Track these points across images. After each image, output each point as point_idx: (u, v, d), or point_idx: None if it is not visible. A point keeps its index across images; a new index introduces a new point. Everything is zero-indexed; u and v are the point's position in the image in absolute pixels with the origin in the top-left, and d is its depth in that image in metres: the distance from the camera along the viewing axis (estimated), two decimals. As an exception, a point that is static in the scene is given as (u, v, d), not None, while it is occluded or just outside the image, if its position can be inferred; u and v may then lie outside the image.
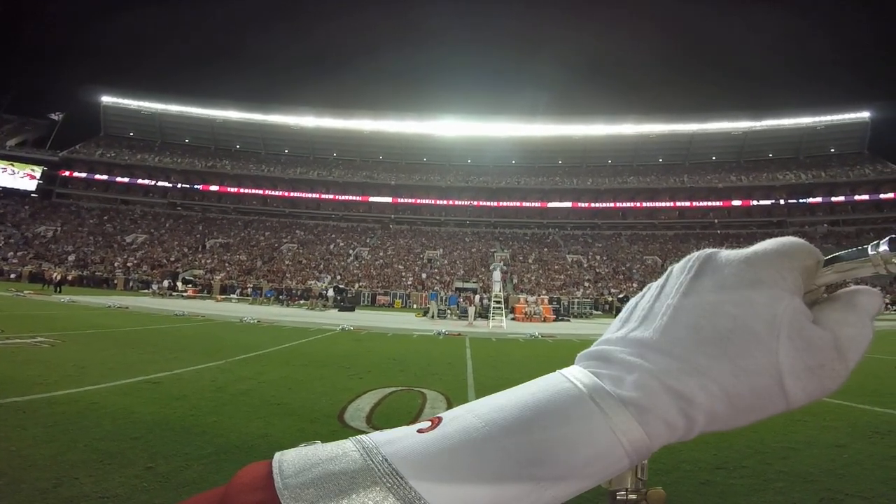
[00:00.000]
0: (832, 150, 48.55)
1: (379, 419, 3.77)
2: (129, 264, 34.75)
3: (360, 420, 3.72)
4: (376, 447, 0.28)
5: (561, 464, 0.27)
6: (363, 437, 0.30)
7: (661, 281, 0.35)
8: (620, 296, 28.11)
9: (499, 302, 14.84)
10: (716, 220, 47.10)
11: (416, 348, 9.00)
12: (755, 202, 46.34)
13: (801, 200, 45.55)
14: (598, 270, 38.56)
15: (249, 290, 29.08)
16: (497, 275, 16.02)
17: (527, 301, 18.65)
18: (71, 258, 35.08)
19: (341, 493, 0.25)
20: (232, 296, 27.89)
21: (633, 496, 0.33)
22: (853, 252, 0.29)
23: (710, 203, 47.32)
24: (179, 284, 28.13)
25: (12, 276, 28.26)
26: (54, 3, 63.83)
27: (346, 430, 3.46)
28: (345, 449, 0.29)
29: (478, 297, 17.02)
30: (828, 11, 56.90)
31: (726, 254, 0.32)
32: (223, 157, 52.11)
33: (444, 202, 50.18)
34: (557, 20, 76.69)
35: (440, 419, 0.30)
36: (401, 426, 0.31)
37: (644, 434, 0.28)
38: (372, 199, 50.02)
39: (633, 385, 0.29)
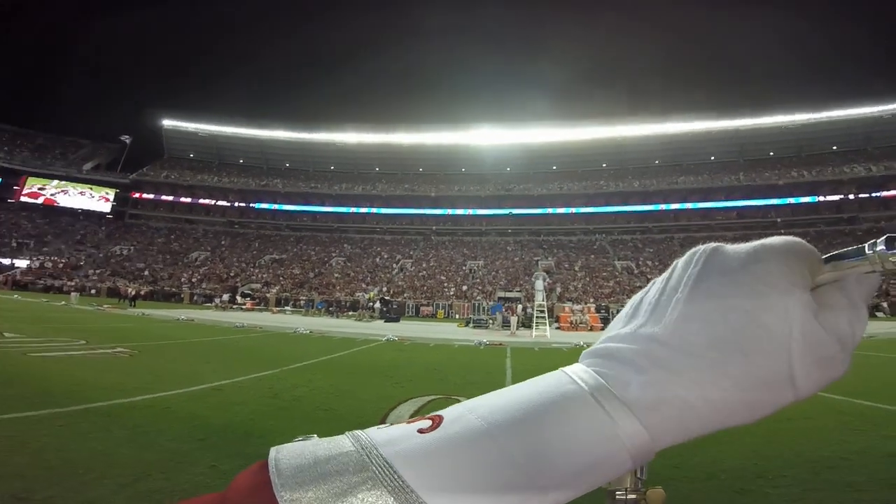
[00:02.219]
0: None
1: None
2: (193, 279, 37.33)
3: (403, 423, 3.84)
4: (375, 447, 0.28)
5: (564, 467, 0.27)
6: (359, 433, 0.30)
7: (665, 275, 0.34)
8: None
9: (542, 311, 14.64)
10: (778, 219, 44.06)
11: (456, 358, 9.13)
12: (822, 198, 43.14)
13: (873, 194, 41.80)
14: (649, 276, 37.03)
15: (302, 303, 30.43)
16: (539, 284, 15.88)
17: (572, 310, 18.20)
18: (146, 273, 38.21)
19: (340, 495, 0.25)
20: (286, 308, 29.29)
21: (632, 496, 0.33)
22: (851, 251, 0.30)
23: (770, 200, 44.56)
24: (239, 298, 29.91)
25: (93, 291, 31.13)
26: (118, 28, 70.36)
27: None
28: (342, 448, 0.28)
29: (520, 306, 16.80)
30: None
31: (733, 248, 0.32)
32: (274, 175, 54.93)
33: (484, 211, 50.08)
34: (590, 19, 75.32)
35: (441, 418, 0.30)
36: (400, 424, 0.30)
37: (649, 437, 0.28)
38: (413, 211, 50.83)
39: (642, 387, 0.28)
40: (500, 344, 11.84)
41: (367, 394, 5.23)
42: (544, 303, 15.07)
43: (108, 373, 5.59)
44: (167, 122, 55.02)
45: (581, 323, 16.77)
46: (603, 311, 22.56)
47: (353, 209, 51.43)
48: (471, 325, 19.28)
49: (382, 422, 3.45)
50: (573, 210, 48.68)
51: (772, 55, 62.97)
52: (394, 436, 0.29)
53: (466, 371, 7.29)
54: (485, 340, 12.26)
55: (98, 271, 37.67)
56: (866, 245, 0.29)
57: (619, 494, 0.33)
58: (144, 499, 2.23)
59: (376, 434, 0.29)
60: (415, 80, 77.30)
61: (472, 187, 51.26)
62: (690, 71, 68.15)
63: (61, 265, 37.54)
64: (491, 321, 18.03)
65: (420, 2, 73.10)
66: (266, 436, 3.48)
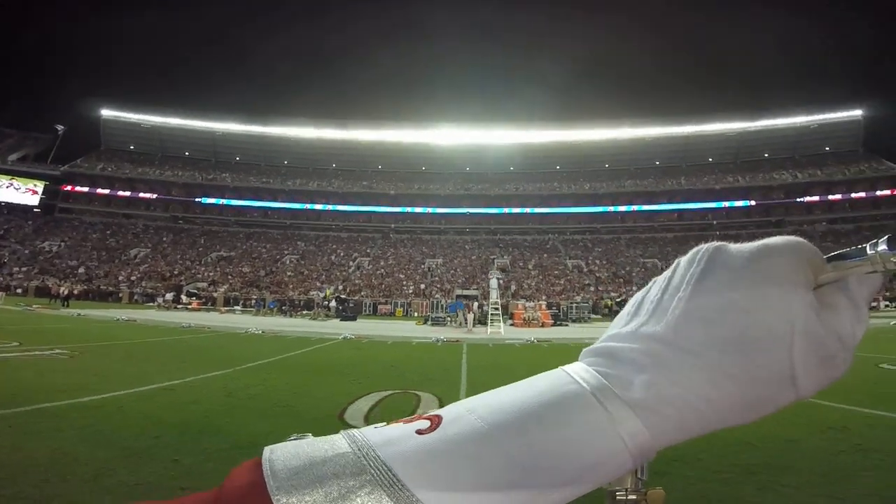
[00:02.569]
0: (827, 149, 48.80)
1: (375, 419, 4.09)
2: (132, 278, 35.13)
3: (359, 419, 4.07)
4: (372, 448, 0.27)
5: (564, 467, 0.27)
6: (354, 432, 0.29)
7: (667, 273, 0.34)
8: (619, 300, 28.37)
9: (496, 309, 15.15)
10: (714, 221, 47.30)
11: (414, 355, 9.31)
12: (753, 202, 46.60)
13: (798, 199, 45.76)
14: (597, 275, 38.83)
15: (253, 302, 29.42)
16: (494, 282, 16.43)
17: (525, 307, 18.93)
18: (81, 271, 35.50)
19: (338, 499, 0.24)
20: (236, 307, 28.24)
21: (632, 496, 0.33)
22: (853, 251, 0.30)
23: (707, 204, 47.53)
24: (183, 297, 28.49)
25: (18, 290, 28.66)
26: (51, 15, 64.90)
27: (346, 428, 3.75)
28: (338, 449, 0.28)
29: (476, 303, 17.29)
30: (820, 10, 57.65)
31: (735, 247, 0.31)
32: (223, 169, 52.64)
33: (444, 210, 50.52)
34: (551, 26, 77.72)
35: (440, 419, 0.29)
36: (397, 423, 0.30)
37: (650, 436, 0.28)
38: (371, 208, 50.40)
39: (643, 386, 0.28)
40: (458, 341, 12.14)
41: (324, 391, 5.32)
42: (498, 300, 15.64)
43: (51, 374, 5.38)
44: (105, 112, 51.61)
45: (533, 319, 17.48)
46: (554, 309, 23.56)
47: (308, 205, 50.17)
48: (429, 322, 19.61)
49: (341, 415, 3.69)
50: (528, 210, 50.09)
51: (716, 66, 67.62)
52: (391, 437, 0.28)
53: (424, 367, 7.50)
54: (442, 337, 12.54)
55: (24, 269, 34.64)
56: (868, 245, 0.29)
57: (619, 494, 0.33)
58: (110, 492, 2.30)
59: (373, 434, 0.29)
60: (376, 77, 76.52)
61: (431, 186, 51.48)
62: (640, 80, 71.93)
63: (-21, 263, 34.20)
64: (449, 318, 18.43)
65: (384, 1, 72.45)
66: (222, 433, 3.55)
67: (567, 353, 9.86)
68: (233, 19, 74.48)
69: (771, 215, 46.00)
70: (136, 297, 30.45)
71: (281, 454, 0.27)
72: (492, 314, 15.30)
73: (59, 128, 50.13)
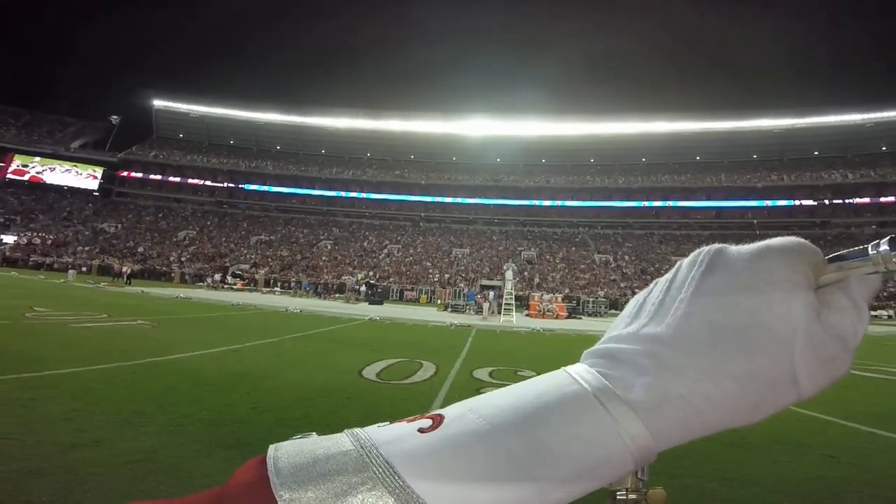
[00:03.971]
0: (883, 148, 45.81)
1: (385, 375, 5.33)
2: (182, 258, 37.84)
3: (373, 375, 5.27)
4: (375, 446, 0.28)
5: (566, 469, 0.27)
6: (358, 431, 0.30)
7: (669, 275, 0.34)
8: (629, 296, 28.28)
9: (510, 299, 16.02)
10: (754, 221, 45.56)
11: (428, 335, 10.53)
12: (797, 202, 44.67)
13: (846, 201, 43.46)
14: (624, 270, 38.63)
15: (291, 284, 31.31)
16: (509, 274, 17.24)
17: (542, 298, 19.62)
18: (140, 250, 38.57)
19: (340, 496, 0.25)
20: (275, 289, 30.21)
21: (633, 496, 0.33)
22: (854, 251, 0.30)
23: (748, 202, 45.92)
24: (229, 278, 30.66)
25: (83, 269, 31.48)
26: (107, 10, 68.91)
27: (362, 380, 5.02)
28: (341, 447, 0.28)
29: (492, 293, 18.14)
30: (874, 5, 53.86)
31: (737, 248, 0.32)
32: (265, 157, 55.06)
33: (473, 200, 51.04)
34: (588, 16, 75.79)
35: (441, 418, 0.30)
36: (399, 423, 0.30)
37: (652, 438, 0.28)
38: (403, 197, 51.61)
39: (644, 388, 0.28)
40: (469, 326, 13.20)
41: (349, 356, 6.55)
42: (512, 291, 16.44)
43: (143, 339, 6.74)
44: (157, 102, 54.62)
45: (548, 311, 18.19)
46: (572, 302, 24.02)
47: (343, 193, 51.93)
48: (449, 309, 20.70)
49: (360, 372, 4.80)
50: (558, 203, 49.82)
51: (764, 59, 64.50)
52: (394, 435, 0.29)
53: (433, 345, 8.64)
54: (456, 322, 13.67)
55: (87, 248, 37.91)
56: (869, 246, 0.29)
57: (619, 495, 0.33)
58: (208, 409, 3.42)
59: (376, 433, 0.29)
60: (410, 69, 77.29)
61: (461, 176, 52.06)
62: (683, 72, 69.44)
63: (49, 242, 37.66)
64: (468, 307, 19.38)
65: (416, -10, 72.81)
66: (274, 378, 4.81)
67: (567, 341, 10.99)
68: (273, 15, 76.85)
69: (816, 216, 43.93)
70: (185, 276, 32.90)
71: (285, 451, 0.28)
72: (505, 304, 16.15)
73: (114, 118, 53.71)
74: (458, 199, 51.00)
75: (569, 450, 0.27)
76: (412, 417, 0.31)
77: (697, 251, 0.33)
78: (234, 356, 5.97)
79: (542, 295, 20.87)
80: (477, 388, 4.89)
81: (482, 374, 5.69)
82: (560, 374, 0.32)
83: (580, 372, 0.31)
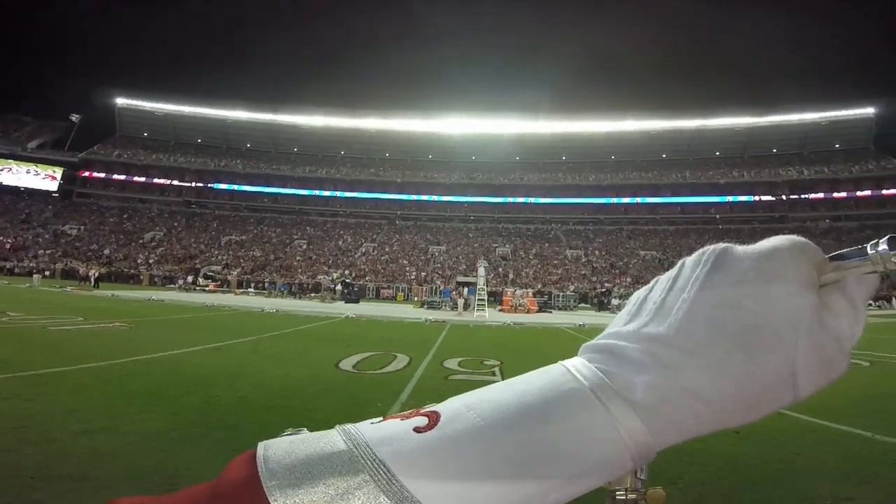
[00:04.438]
0: (837, 146, 48.27)
1: (360, 366, 5.76)
2: (150, 261, 36.86)
3: (349, 367, 5.70)
4: (369, 446, 0.27)
5: (564, 468, 0.27)
6: (350, 427, 0.29)
7: (672, 273, 0.34)
8: (602, 290, 29.56)
9: (482, 295, 16.65)
10: (717, 216, 47.40)
11: (403, 331, 10.97)
12: (757, 197, 46.63)
13: (803, 196, 45.47)
14: (594, 265, 39.88)
15: (265, 285, 31.05)
16: (482, 271, 17.88)
17: (514, 294, 20.34)
18: (106, 252, 37.31)
19: (335, 499, 0.24)
20: (249, 289, 29.91)
21: (632, 496, 0.33)
22: (853, 251, 0.30)
23: (711, 198, 47.75)
24: (201, 280, 30.14)
25: (46, 273, 30.35)
26: (66, 5, 65.99)
27: (339, 371, 5.41)
28: (334, 446, 0.27)
29: (467, 289, 18.74)
30: (833, 6, 57.01)
31: (742, 248, 0.31)
32: (235, 156, 53.93)
33: (449, 198, 51.49)
34: (560, 17, 77.31)
35: (438, 416, 0.29)
36: (393, 419, 0.29)
37: (651, 437, 0.28)
38: (378, 195, 51.57)
39: (645, 387, 0.28)
40: (444, 322, 13.71)
41: (326, 351, 6.96)
42: (485, 287, 17.07)
43: (123, 340, 6.94)
44: (121, 101, 52.85)
45: (520, 306, 18.91)
46: (543, 297, 24.89)
47: (317, 192, 51.48)
48: (425, 306, 21.17)
49: (336, 364, 5.22)
50: (532, 200, 50.86)
51: (726, 59, 67.27)
52: (388, 434, 0.28)
53: (407, 339, 9.12)
54: (431, 318, 14.16)
55: (48, 251, 36.48)
56: (868, 245, 0.29)
57: (619, 494, 0.33)
58: (196, 399, 3.76)
59: (369, 431, 0.28)
60: (385, 67, 76.92)
61: (437, 174, 52.36)
62: (651, 72, 71.71)
63: (8, 245, 36.05)
64: (443, 303, 19.82)
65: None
66: (254, 373, 5.14)
67: (534, 334, 11.72)
68: (243, 9, 75.09)
69: (774, 211, 45.95)
70: (155, 279, 32.13)
71: (275, 451, 0.27)
72: (478, 300, 16.75)
73: (75, 117, 51.55)
74: (434, 197, 51.30)
75: (567, 449, 0.27)
76: (406, 414, 0.30)
77: (702, 250, 0.32)
78: (216, 354, 6.27)
79: (514, 290, 21.61)
80: (445, 376, 5.36)
81: (452, 363, 6.15)
82: (558, 369, 0.31)
83: (578, 367, 0.31)
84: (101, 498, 2.02)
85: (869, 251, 0.29)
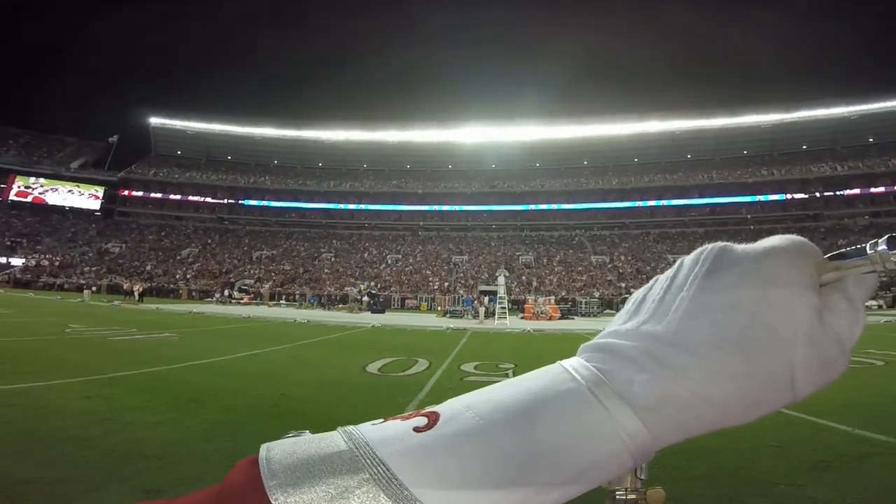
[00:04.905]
0: (871, 140, 46.57)
1: (384, 370, 6.30)
2: (188, 276, 38.72)
3: (375, 370, 6.25)
4: (370, 446, 0.27)
5: (564, 466, 0.27)
6: (351, 429, 0.29)
7: (670, 273, 0.34)
8: (624, 295, 29.29)
9: (503, 303, 17.09)
10: (748, 216, 46.17)
11: (425, 338, 11.59)
12: (789, 196, 45.33)
13: (838, 192, 44.12)
14: (621, 270, 39.44)
15: (296, 297, 32.27)
16: (501, 279, 18.28)
17: (535, 301, 20.58)
18: (148, 268, 39.48)
19: (336, 498, 0.24)
20: (281, 301, 31.12)
21: (632, 496, 0.33)
22: (853, 251, 0.30)
23: (741, 198, 46.73)
24: (236, 293, 31.62)
25: (93, 288, 32.36)
26: (101, 31, 70.32)
27: (365, 374, 5.96)
28: (336, 447, 0.27)
29: (487, 298, 19.16)
30: None
31: (742, 248, 0.31)
32: (263, 172, 56.06)
33: (470, 207, 51.89)
34: (578, 19, 77.35)
35: (437, 416, 0.29)
36: (393, 420, 0.30)
37: (650, 436, 0.28)
38: (401, 207, 52.53)
39: (643, 385, 0.28)
40: (465, 329, 14.19)
41: (354, 356, 7.56)
42: (505, 296, 17.48)
43: (176, 348, 7.71)
44: (154, 120, 55.56)
45: (542, 313, 19.16)
46: (568, 304, 24.96)
47: (342, 206, 52.87)
48: (447, 315, 21.75)
49: (363, 368, 5.76)
50: (554, 206, 50.64)
51: (752, 56, 65.80)
52: (389, 434, 0.28)
53: (428, 345, 9.66)
54: (452, 326, 14.74)
55: (94, 269, 38.82)
56: (868, 245, 0.29)
57: (618, 494, 0.33)
58: (246, 400, 4.33)
59: (370, 431, 0.29)
60: (403, 79, 78.70)
61: (458, 184, 52.99)
62: (672, 72, 70.76)
63: (57, 263, 38.59)
64: (465, 312, 20.26)
65: (409, 4, 74.31)
66: (291, 377, 5.67)
67: (551, 340, 12.03)
68: (266, 31, 78.36)
69: (808, 209, 44.58)
70: (193, 293, 33.79)
71: (277, 452, 0.27)
72: (499, 308, 17.13)
73: (112, 139, 54.47)
74: (456, 207, 51.84)
75: (566, 448, 0.27)
76: (407, 415, 0.30)
77: (700, 249, 0.32)
78: (256, 359, 6.96)
79: (535, 298, 21.83)
80: (461, 378, 5.81)
81: (468, 367, 6.61)
82: (556, 369, 0.31)
83: (576, 366, 0.31)
84: (178, 473, 2.52)
85: (868, 250, 0.29)
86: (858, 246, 0.30)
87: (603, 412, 0.28)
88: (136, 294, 24.56)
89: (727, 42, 66.00)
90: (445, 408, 0.30)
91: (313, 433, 0.30)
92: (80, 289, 31.67)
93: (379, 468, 0.26)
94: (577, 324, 17.99)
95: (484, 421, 0.28)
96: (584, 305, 26.72)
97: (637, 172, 51.10)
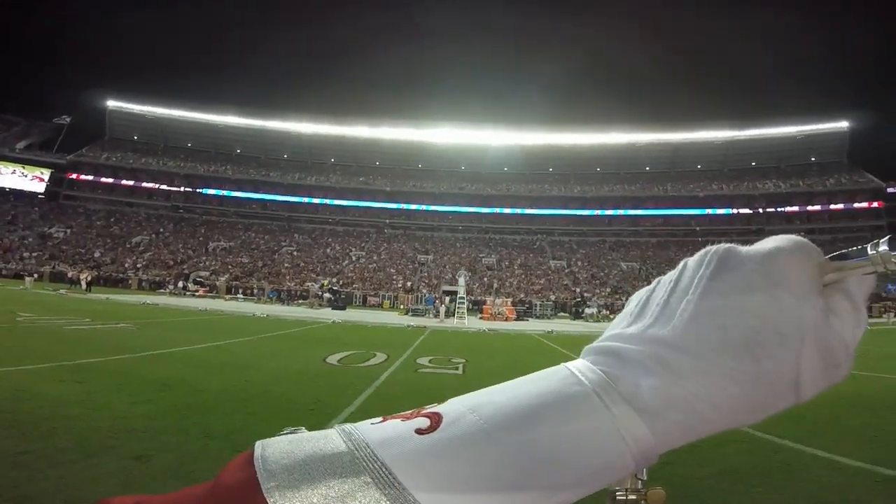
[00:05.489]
0: (813, 159, 49.96)
1: (344, 361, 6.74)
2: (138, 265, 37.08)
3: (335, 361, 6.70)
4: (370, 448, 0.27)
5: (567, 469, 0.27)
6: (350, 427, 0.29)
7: (673, 275, 0.33)
8: (578, 299, 30.80)
9: (462, 303, 17.75)
10: (697, 228, 48.53)
11: (385, 334, 12.06)
12: (735, 210, 48.22)
13: (779, 209, 47.10)
14: (577, 275, 41.13)
15: (254, 291, 31.65)
16: (462, 280, 18.99)
17: (493, 303, 21.49)
18: (97, 255, 37.46)
19: (336, 501, 0.24)
20: (238, 295, 30.46)
21: (632, 496, 0.33)
22: (854, 251, 0.30)
23: (692, 211, 49.26)
24: (190, 285, 30.65)
25: (34, 275, 30.48)
26: (58, 6, 66.14)
27: (325, 365, 6.36)
28: (334, 447, 0.27)
29: (447, 298, 19.85)
30: (809, 21, 59.76)
31: (745, 249, 0.31)
32: (224, 161, 54.27)
33: (437, 208, 52.37)
34: (549, 30, 79.61)
35: (440, 418, 0.29)
36: (393, 420, 0.29)
37: (654, 440, 0.28)
38: (367, 204, 52.31)
39: (649, 390, 0.28)
40: (424, 327, 14.77)
41: (314, 350, 7.95)
42: (464, 296, 18.17)
43: (134, 338, 7.79)
44: (111, 103, 52.97)
45: (499, 314, 20.07)
46: (523, 305, 26.06)
47: (306, 199, 52.04)
48: (409, 313, 22.21)
49: (324, 359, 6.25)
50: (518, 211, 52.01)
51: (708, 74, 69.84)
52: (390, 435, 0.28)
53: (388, 341, 10.15)
54: (413, 324, 15.26)
55: (34, 254, 36.49)
56: (868, 246, 0.29)
57: (619, 495, 0.33)
58: (212, 389, 4.64)
59: (370, 432, 0.28)
60: (376, 76, 78.21)
61: (426, 184, 53.27)
62: (637, 86, 74.10)
63: (-6, 247, 36.02)
64: (427, 311, 20.84)
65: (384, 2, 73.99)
66: (255, 367, 5.99)
67: (504, 338, 12.82)
68: (235, 15, 75.80)
69: (751, 223, 47.21)
70: (143, 283, 32.44)
71: (274, 450, 0.27)
72: (458, 308, 17.79)
73: (65, 119, 51.57)
74: (423, 206, 52.07)
75: (570, 452, 0.27)
76: (407, 414, 0.30)
77: (705, 250, 0.32)
78: (219, 350, 7.23)
79: (494, 299, 22.71)
80: (415, 370, 6.37)
81: (423, 360, 7.17)
82: (562, 371, 0.31)
83: (582, 369, 0.30)
84: (163, 442, 2.87)
85: (870, 251, 0.29)
86: (859, 247, 0.30)
87: (608, 416, 0.27)
88: (83, 283, 23.46)
89: (689, 58, 69.85)
90: (448, 409, 0.30)
91: (309, 430, 0.30)
92: (18, 276, 29.78)
93: (380, 471, 0.25)
94: (531, 325, 18.90)
95: (488, 424, 0.28)
96: (538, 308, 27.84)
97: (598, 182, 53.13)
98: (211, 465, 2.54)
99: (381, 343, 9.49)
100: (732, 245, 0.31)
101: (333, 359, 6.83)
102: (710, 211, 49.34)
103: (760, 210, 47.74)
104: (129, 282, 32.40)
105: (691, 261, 0.33)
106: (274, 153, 56.17)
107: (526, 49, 78.36)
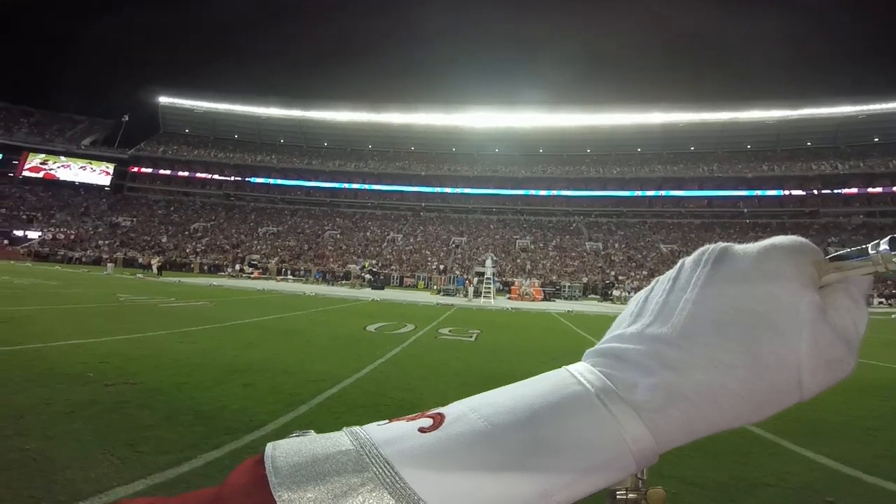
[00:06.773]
0: (875, 140, 46.80)
1: (381, 329, 8.20)
2: (197, 250, 40.50)
3: (372, 329, 8.21)
4: (375, 446, 0.28)
5: (568, 471, 0.27)
6: (357, 429, 0.30)
7: (671, 273, 0.34)
8: (608, 282, 31.02)
9: (488, 283, 19.02)
10: (745, 210, 46.79)
11: (416, 310, 13.63)
12: (787, 192, 45.89)
13: (835, 191, 44.65)
14: (612, 258, 40.93)
15: (302, 272, 34.48)
16: (489, 262, 20.17)
17: (521, 284, 22.49)
18: (163, 240, 41.38)
19: (340, 496, 0.25)
20: (287, 276, 33.18)
21: (632, 495, 0.33)
22: (854, 251, 0.30)
23: (739, 192, 47.29)
24: (246, 268, 33.65)
25: (110, 262, 34.13)
26: (110, 9, 70.65)
27: (365, 332, 7.80)
28: (341, 446, 0.28)
29: (476, 278, 21.13)
30: None
31: (742, 247, 0.31)
32: (269, 151, 57.29)
33: (472, 190, 53.07)
34: (588, 7, 76.92)
35: (442, 417, 0.30)
36: (399, 421, 0.30)
37: (654, 440, 0.28)
38: (404, 188, 53.83)
39: (649, 390, 0.28)
40: (452, 305, 16.22)
41: (355, 321, 9.54)
42: (491, 277, 19.35)
43: (216, 312, 9.51)
44: (163, 99, 56.75)
45: (526, 294, 21.09)
46: (555, 287, 26.85)
47: (346, 185, 54.27)
48: (441, 293, 23.66)
49: (364, 328, 7.78)
50: (554, 193, 51.75)
51: (761, 51, 65.74)
52: (394, 434, 0.29)
53: (417, 316, 11.62)
54: (442, 302, 16.83)
55: (107, 242, 40.58)
56: (869, 246, 0.29)
57: (619, 494, 0.33)
58: (293, 344, 6.11)
59: (375, 431, 0.29)
60: (410, 63, 78.85)
61: (461, 167, 54.09)
62: (680, 64, 70.78)
63: (72, 236, 40.35)
64: (458, 291, 22.13)
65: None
66: (309, 333, 7.43)
67: (526, 316, 14.09)
68: (274, 11, 78.23)
69: (805, 206, 45.17)
70: (204, 267, 35.62)
71: (283, 450, 0.28)
72: (485, 288, 19.00)
73: (124, 117, 55.97)
74: (458, 190, 53.07)
75: (570, 452, 0.27)
76: (412, 416, 0.31)
77: (701, 250, 0.33)
78: (282, 321, 8.89)
79: (521, 280, 23.69)
80: (435, 336, 7.75)
81: (444, 330, 8.62)
82: (562, 374, 0.32)
83: (582, 371, 0.31)
84: (258, 378, 4.19)
85: (870, 251, 0.29)
86: (860, 247, 0.30)
87: (608, 417, 0.28)
88: (154, 268, 26.33)
89: (736, 35, 65.90)
90: (451, 409, 0.30)
91: (318, 432, 0.30)
92: (97, 262, 33.49)
93: (383, 467, 0.26)
94: (555, 305, 19.79)
95: (489, 423, 0.28)
96: (567, 289, 28.60)
97: (639, 163, 51.87)
98: (290, 390, 3.81)
99: (412, 316, 11.06)
100: (728, 244, 0.32)
101: (372, 327, 8.35)
102: (759, 192, 46.97)
103: (815, 192, 45.04)
104: (192, 266, 35.63)
105: (689, 260, 0.33)
106: (315, 142, 58.58)
107: (564, 28, 76.30)
